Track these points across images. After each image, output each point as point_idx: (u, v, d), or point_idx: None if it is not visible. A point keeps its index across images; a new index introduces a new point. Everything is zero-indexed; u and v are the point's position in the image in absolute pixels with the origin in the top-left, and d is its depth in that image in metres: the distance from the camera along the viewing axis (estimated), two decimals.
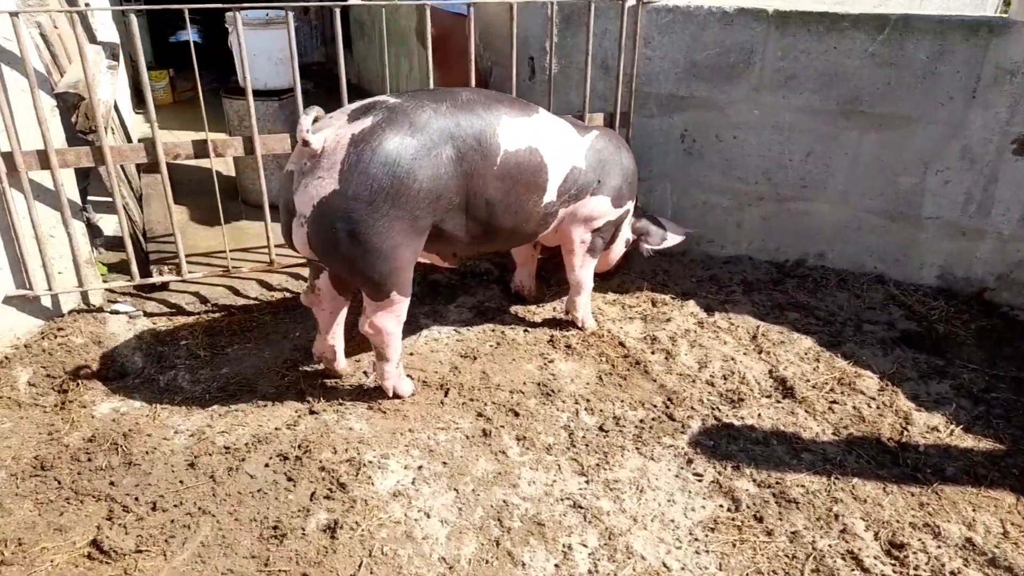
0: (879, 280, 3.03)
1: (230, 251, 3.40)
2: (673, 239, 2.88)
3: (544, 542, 1.87)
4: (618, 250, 2.79)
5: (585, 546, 1.87)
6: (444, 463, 2.12)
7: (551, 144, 2.32)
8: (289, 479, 2.04)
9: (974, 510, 1.98)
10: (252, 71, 3.65)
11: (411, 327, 2.68)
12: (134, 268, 2.72)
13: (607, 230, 2.65)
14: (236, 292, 3.02)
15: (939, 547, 1.86)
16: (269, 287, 3.07)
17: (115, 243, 3.33)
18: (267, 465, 2.09)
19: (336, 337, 2.42)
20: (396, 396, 2.37)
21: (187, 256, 3.29)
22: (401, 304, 2.21)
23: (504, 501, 1.99)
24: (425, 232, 2.14)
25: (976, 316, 2.80)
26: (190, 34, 2.27)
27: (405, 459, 2.13)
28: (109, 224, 3.51)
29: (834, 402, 2.40)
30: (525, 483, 2.06)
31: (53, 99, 2.51)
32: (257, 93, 3.69)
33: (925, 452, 2.18)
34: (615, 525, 1.93)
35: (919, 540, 1.88)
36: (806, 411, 2.36)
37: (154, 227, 3.29)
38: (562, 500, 2.00)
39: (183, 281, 2.94)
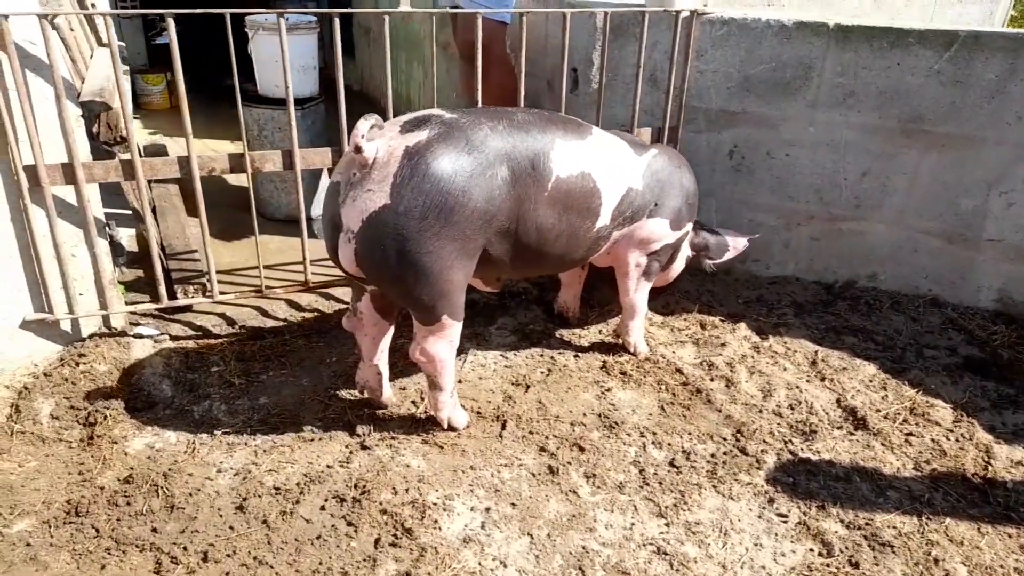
0: (934, 303, 2.94)
1: (252, 268, 3.25)
2: (735, 250, 2.76)
3: None
4: (678, 267, 2.67)
5: None
6: (513, 504, 1.98)
7: (605, 167, 2.20)
8: (349, 524, 1.88)
9: None
10: (272, 79, 3.50)
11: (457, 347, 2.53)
12: (162, 290, 2.54)
13: (664, 253, 2.53)
14: (264, 313, 2.86)
15: None
16: (299, 307, 2.91)
17: (131, 260, 3.14)
18: (323, 508, 1.93)
19: (381, 364, 2.27)
20: (451, 428, 2.22)
21: (203, 273, 3.13)
22: (453, 329, 2.07)
23: (583, 547, 1.85)
24: (476, 255, 2.00)
25: None
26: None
27: (471, 500, 1.98)
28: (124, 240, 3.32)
29: (910, 434, 2.29)
30: (602, 526, 1.92)
31: (78, 108, 2.34)
32: (279, 102, 3.55)
33: (1014, 489, 2.08)
34: (704, 573, 1.80)
35: None
36: (883, 444, 2.25)
37: (172, 243, 3.11)
38: (644, 546, 1.87)
39: (210, 302, 2.76)
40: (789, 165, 2.94)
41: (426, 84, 5.15)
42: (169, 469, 2.04)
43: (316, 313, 2.88)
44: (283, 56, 2.39)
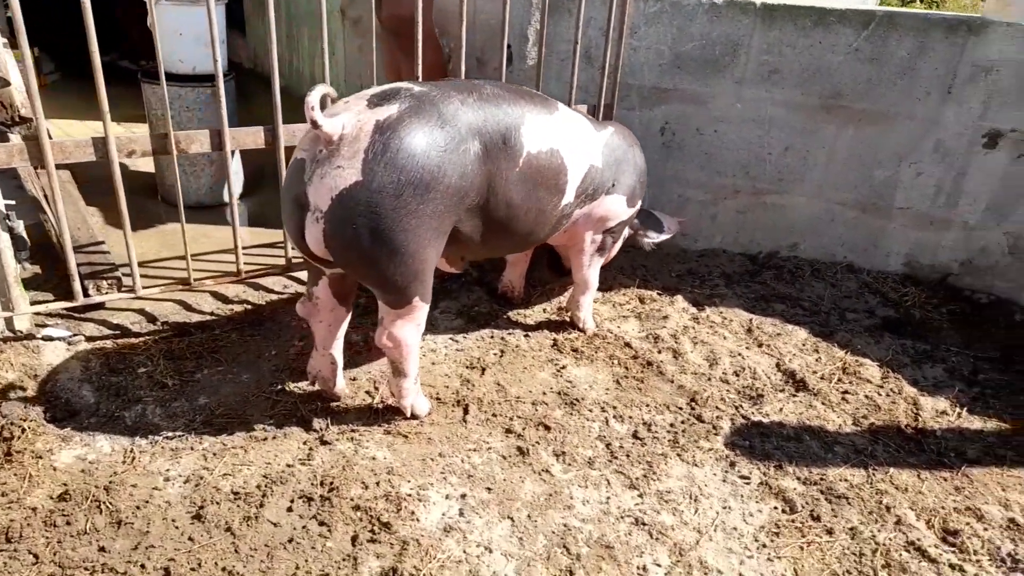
0: (850, 269, 3.14)
1: (166, 260, 3.01)
2: (671, 230, 2.82)
3: (618, 566, 1.75)
4: (618, 245, 2.69)
5: (659, 565, 1.77)
6: (488, 488, 1.94)
7: (571, 144, 2.18)
8: (321, 524, 1.78)
9: (1004, 490, 2.06)
10: (177, 54, 3.24)
11: None
12: (77, 286, 2.30)
13: (619, 229, 2.56)
14: (188, 307, 2.65)
15: (986, 529, 1.92)
16: (225, 299, 2.72)
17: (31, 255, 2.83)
18: (290, 509, 1.82)
19: (336, 353, 2.16)
20: (414, 416, 2.15)
21: (116, 266, 2.87)
22: (422, 311, 2.00)
23: (564, 525, 1.85)
24: (447, 233, 1.94)
25: (944, 300, 2.96)
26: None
27: (445, 488, 1.93)
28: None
29: (846, 392, 2.44)
30: (579, 503, 1.92)
31: None
32: (184, 78, 3.29)
33: (943, 437, 2.26)
34: (682, 540, 1.84)
35: (968, 525, 1.93)
36: (823, 403, 2.38)
37: (75, 234, 2.82)
38: (623, 518, 1.89)
39: (132, 298, 2.53)
40: (717, 141, 3.03)
41: (332, 61, 4.92)
42: (110, 482, 1.85)
43: (246, 305, 2.71)
44: (211, 26, 2.20)
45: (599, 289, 3.00)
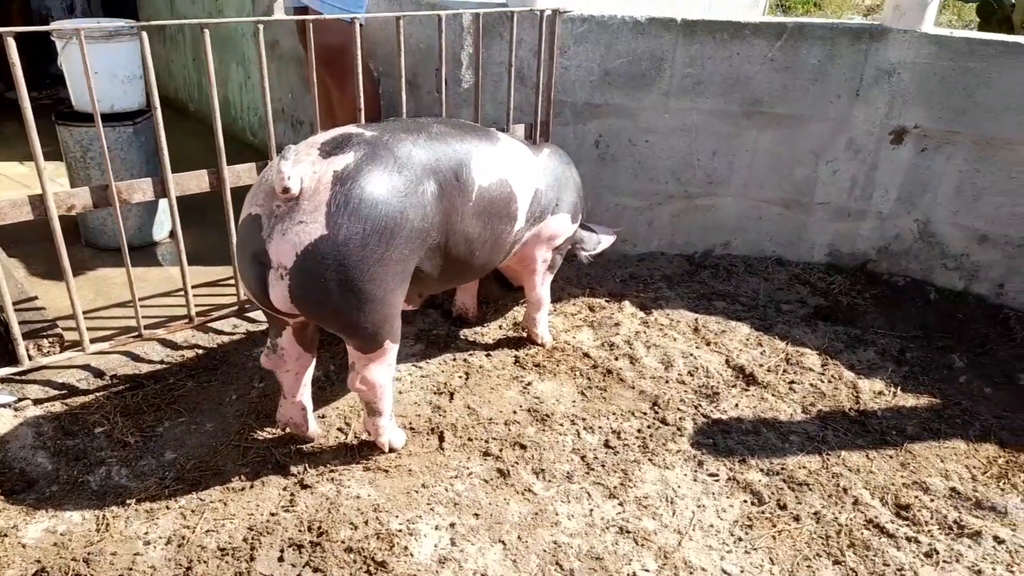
0: (779, 262, 3.34)
1: (102, 309, 2.89)
2: (606, 241, 2.92)
3: None
4: (557, 261, 2.76)
5: (647, 570, 1.86)
6: (475, 515, 1.98)
7: (517, 171, 2.25)
8: (316, 570, 1.78)
9: (943, 461, 2.26)
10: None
11: None
12: (22, 350, 2.19)
13: (565, 246, 2.64)
14: (137, 358, 2.56)
15: (933, 500, 2.10)
16: (175, 346, 2.64)
17: None
18: (281, 559, 1.81)
19: (305, 399, 2.15)
20: (391, 450, 2.17)
21: (51, 319, 2.74)
22: (393, 352, 2.02)
23: (554, 542, 1.91)
24: (411, 274, 1.97)
25: (866, 286, 3.19)
26: None
27: (433, 519, 1.96)
28: None
29: (792, 382, 2.61)
30: (565, 518, 1.99)
31: None
32: (102, 118, 3.16)
33: (883, 416, 2.45)
34: (665, 543, 1.94)
35: (916, 498, 2.11)
36: (773, 395, 2.54)
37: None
38: (608, 528, 1.97)
39: (83, 355, 2.42)
40: (648, 151, 3.16)
41: (248, 86, 4.81)
42: (87, 553, 1.79)
43: (198, 350, 2.63)
44: (145, 65, 2.13)
45: (551, 300, 3.09)
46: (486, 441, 2.24)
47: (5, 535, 1.84)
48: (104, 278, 3.13)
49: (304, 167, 1.76)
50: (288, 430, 2.20)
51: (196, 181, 2.29)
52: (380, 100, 3.33)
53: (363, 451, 2.17)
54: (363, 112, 2.61)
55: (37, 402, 2.31)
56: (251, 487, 2.03)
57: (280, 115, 4.46)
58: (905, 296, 3.14)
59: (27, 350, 2.35)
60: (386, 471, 2.11)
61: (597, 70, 3.00)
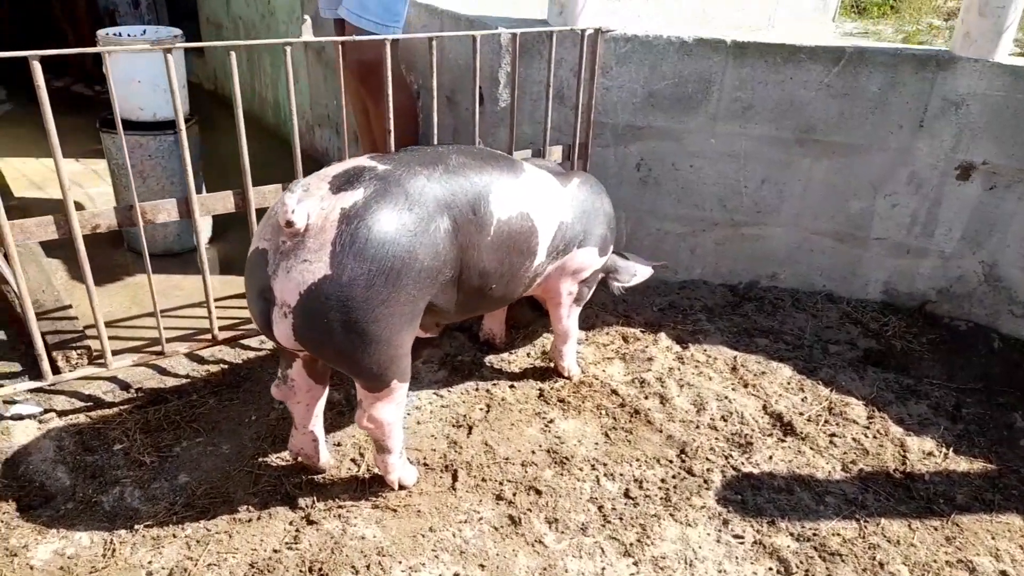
0: (830, 298, 3.15)
1: (136, 318, 2.92)
2: (643, 274, 2.80)
3: None
4: (585, 293, 2.64)
5: None
6: (481, 565, 1.91)
7: (540, 204, 2.16)
8: None
9: (993, 538, 2.08)
10: (136, 101, 3.15)
11: None
12: (46, 365, 2.21)
13: (594, 278, 2.53)
14: (163, 371, 2.57)
15: None
16: (201, 360, 2.65)
17: None
18: None
19: (317, 430, 2.11)
20: (401, 487, 2.11)
21: (80, 330, 2.78)
22: (402, 390, 1.95)
23: None
24: (422, 312, 1.91)
25: (924, 329, 2.98)
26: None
27: (437, 567, 1.89)
28: None
29: (833, 435, 2.44)
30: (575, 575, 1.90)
31: None
32: (144, 126, 3.20)
33: (931, 481, 2.27)
34: None
35: None
36: (811, 448, 2.38)
37: (39, 298, 2.72)
38: None
39: (107, 372, 2.44)
40: (693, 176, 3.01)
41: (296, 88, 4.83)
42: None
43: (223, 365, 2.63)
44: (170, 83, 2.12)
45: (581, 327, 2.98)
46: (500, 483, 2.17)
47: (15, 555, 1.86)
48: (142, 285, 3.16)
49: (313, 202, 1.71)
50: (300, 459, 2.17)
51: (222, 202, 2.28)
52: (419, 114, 3.28)
53: (373, 486, 2.12)
54: (393, 129, 2.55)
55: (63, 414, 2.34)
56: (258, 519, 2.00)
57: (326, 121, 4.47)
58: (966, 343, 2.92)
59: (55, 361, 2.38)
60: (395, 510, 2.05)
61: (641, 91, 2.87)
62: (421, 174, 1.85)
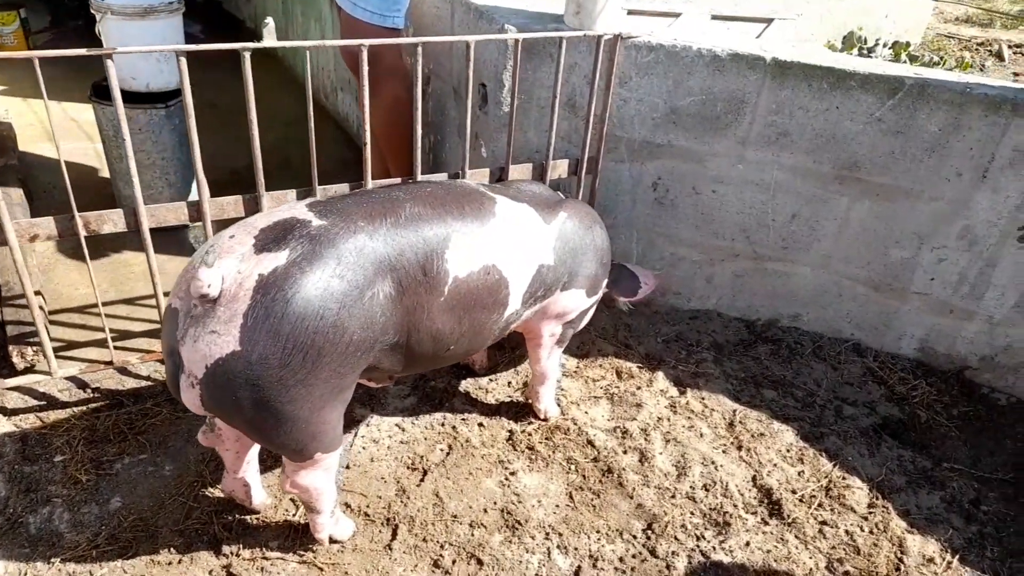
0: (856, 349, 2.82)
1: (113, 304, 2.83)
2: (647, 287, 2.51)
3: None
4: (568, 334, 2.39)
5: None
6: None
7: (511, 252, 1.90)
8: None
9: None
10: (127, 70, 2.98)
11: (344, 422, 2.24)
12: (16, 358, 2.13)
13: (580, 319, 2.29)
14: (124, 371, 2.48)
15: None
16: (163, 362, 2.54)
17: None
18: None
19: (248, 475, 1.98)
20: (334, 541, 1.98)
21: (53, 313, 2.71)
22: (330, 459, 1.77)
23: None
24: (355, 382, 1.71)
25: (957, 399, 2.64)
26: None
27: None
28: None
29: (824, 523, 2.19)
30: None
31: None
32: (136, 96, 3.03)
33: None
34: None
35: None
36: (797, 537, 2.14)
37: (9, 280, 2.64)
38: None
39: (49, 379, 2.36)
40: (715, 202, 2.69)
41: (323, 50, 4.59)
42: None
43: None
44: (183, 88, 1.93)
45: (573, 355, 2.76)
46: (442, 546, 2.01)
47: None
48: (124, 264, 3.08)
49: (231, 262, 1.51)
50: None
51: (174, 214, 2.10)
52: (416, 103, 3.02)
53: (304, 536, 1.99)
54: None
55: (12, 413, 2.27)
56: (178, 562, 1.90)
57: (347, 85, 4.23)
58: (1002, 421, 2.58)
59: (9, 357, 2.30)
60: (321, 569, 1.92)
61: (662, 106, 2.54)
62: (363, 230, 1.62)
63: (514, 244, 1.91)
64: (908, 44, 4.24)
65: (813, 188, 2.56)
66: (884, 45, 4.18)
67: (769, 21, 2.95)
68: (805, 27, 4.11)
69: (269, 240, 1.54)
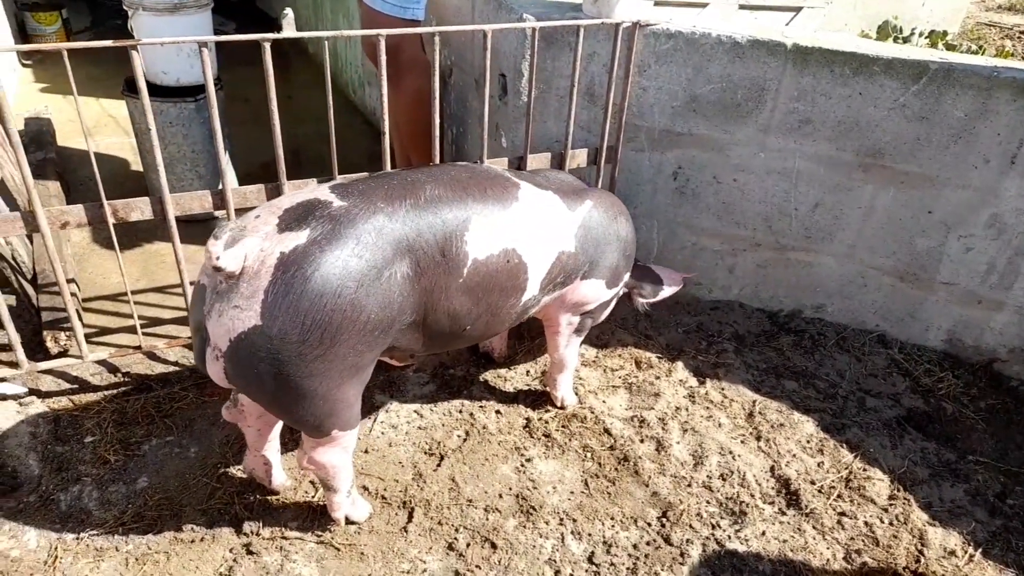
0: (881, 340, 2.78)
1: (143, 292, 2.91)
2: (669, 290, 2.52)
3: None
4: (587, 325, 2.40)
5: None
6: None
7: (532, 237, 1.91)
8: None
9: None
10: (159, 64, 3.06)
11: (363, 407, 2.28)
12: (20, 355, 2.21)
13: (600, 310, 2.29)
14: (152, 356, 2.55)
15: None
16: (191, 346, 2.61)
17: None
18: None
19: (269, 453, 2.03)
20: (351, 522, 2.02)
21: (86, 301, 2.80)
22: (347, 437, 1.81)
23: None
24: (374, 361, 1.75)
25: (985, 391, 2.59)
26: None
27: None
28: None
29: (843, 514, 2.16)
30: None
31: None
32: (166, 91, 3.11)
33: None
34: None
35: None
36: (814, 527, 2.12)
37: (46, 267, 2.74)
38: None
39: (80, 362, 2.44)
40: (737, 191, 2.67)
41: (352, 42, 4.65)
42: None
43: None
44: (206, 79, 1.99)
45: (592, 345, 2.77)
46: (456, 529, 2.03)
47: None
48: (156, 254, 3.16)
49: (254, 241, 1.55)
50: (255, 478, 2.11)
51: (199, 202, 2.16)
52: (434, 93, 3.04)
53: (322, 517, 2.03)
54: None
55: (46, 395, 2.36)
56: (200, 540, 1.96)
57: (375, 79, 4.28)
58: None
59: (43, 341, 2.39)
60: (338, 549, 1.96)
61: (682, 94, 2.53)
62: (382, 211, 1.65)
63: (535, 229, 1.92)
64: (945, 33, 4.14)
65: (836, 176, 2.52)
66: (920, 34, 4.09)
67: (798, 9, 2.91)
68: (838, 16, 4.04)
69: (291, 220, 1.58)
